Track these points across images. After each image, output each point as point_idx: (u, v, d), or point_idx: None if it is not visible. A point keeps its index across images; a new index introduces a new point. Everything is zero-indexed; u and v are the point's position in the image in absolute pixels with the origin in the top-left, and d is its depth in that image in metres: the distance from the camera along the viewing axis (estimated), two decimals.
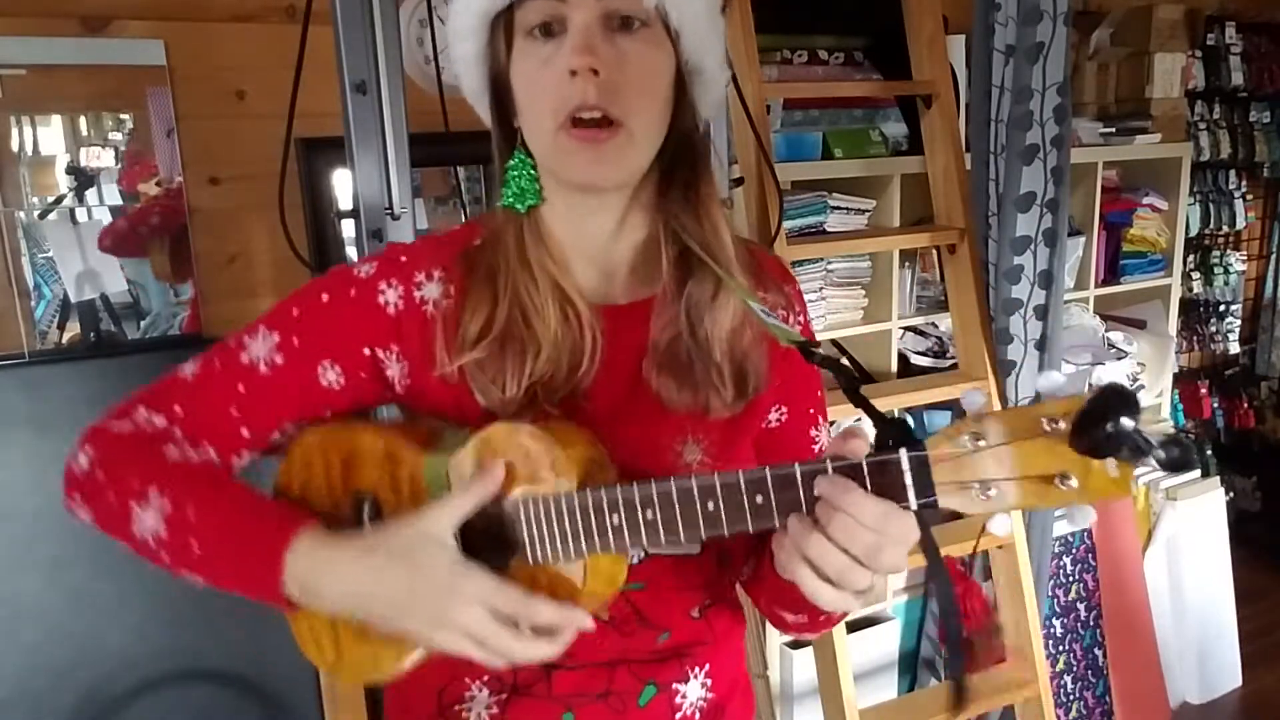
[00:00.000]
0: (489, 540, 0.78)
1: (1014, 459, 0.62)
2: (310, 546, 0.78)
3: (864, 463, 0.67)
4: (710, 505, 0.72)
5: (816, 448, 0.99)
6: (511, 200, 0.87)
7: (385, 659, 0.85)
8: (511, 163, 0.87)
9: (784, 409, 0.96)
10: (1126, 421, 0.57)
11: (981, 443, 0.63)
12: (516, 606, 0.75)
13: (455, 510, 0.76)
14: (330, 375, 0.87)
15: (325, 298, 0.88)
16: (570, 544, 0.76)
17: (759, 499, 0.71)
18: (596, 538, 0.75)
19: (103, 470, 0.84)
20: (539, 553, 0.77)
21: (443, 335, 0.86)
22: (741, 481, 0.71)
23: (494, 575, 0.75)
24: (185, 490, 0.82)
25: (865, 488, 0.67)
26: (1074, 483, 0.61)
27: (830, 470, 0.69)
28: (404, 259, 0.89)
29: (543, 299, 0.85)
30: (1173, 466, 0.57)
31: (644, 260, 0.91)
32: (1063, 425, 0.60)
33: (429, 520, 0.76)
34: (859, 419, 2.14)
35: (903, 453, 0.66)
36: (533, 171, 0.87)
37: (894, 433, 0.67)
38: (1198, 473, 2.93)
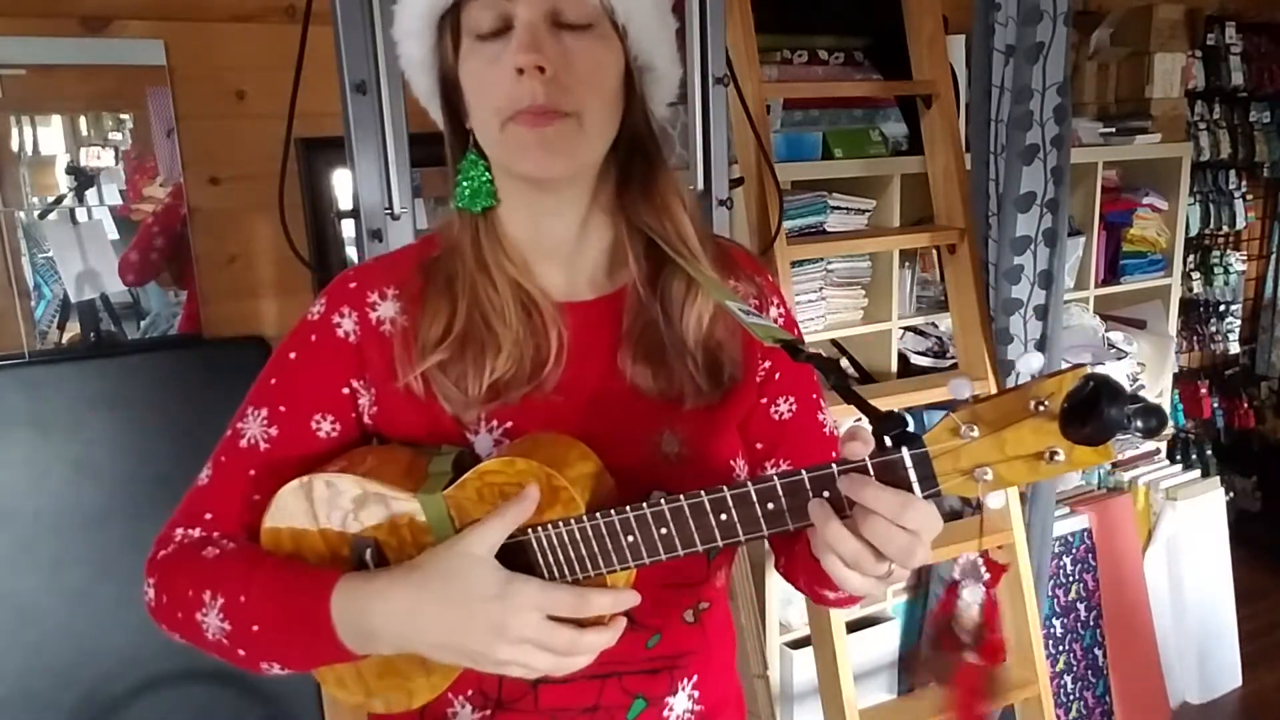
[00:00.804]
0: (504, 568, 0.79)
1: (1007, 442, 0.65)
2: (349, 594, 0.77)
3: (869, 463, 0.69)
4: (724, 516, 0.73)
5: (827, 431, 0.99)
6: (465, 202, 0.87)
7: (419, 690, 0.85)
8: (464, 164, 0.87)
9: (792, 399, 0.96)
10: (1115, 412, 0.60)
11: (975, 431, 0.66)
12: (573, 602, 0.75)
13: (494, 532, 0.75)
14: (325, 426, 0.88)
15: (293, 355, 0.89)
16: (589, 566, 0.77)
17: (770, 506, 0.72)
18: (614, 557, 0.76)
19: (166, 595, 0.85)
20: (559, 578, 0.78)
21: (401, 348, 0.86)
22: (752, 491, 0.72)
23: (541, 580, 0.75)
24: (229, 580, 0.82)
25: None
26: (1061, 457, 0.64)
27: (836, 472, 0.70)
28: (353, 284, 0.89)
29: (502, 299, 0.85)
30: (1152, 434, 0.61)
31: (612, 260, 0.91)
32: (1048, 405, 0.63)
33: (468, 543, 0.75)
34: (859, 419, 2.14)
35: (905, 451, 0.68)
36: (486, 173, 0.87)
37: (894, 430, 0.69)
38: (1198, 473, 2.93)
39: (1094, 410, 0.60)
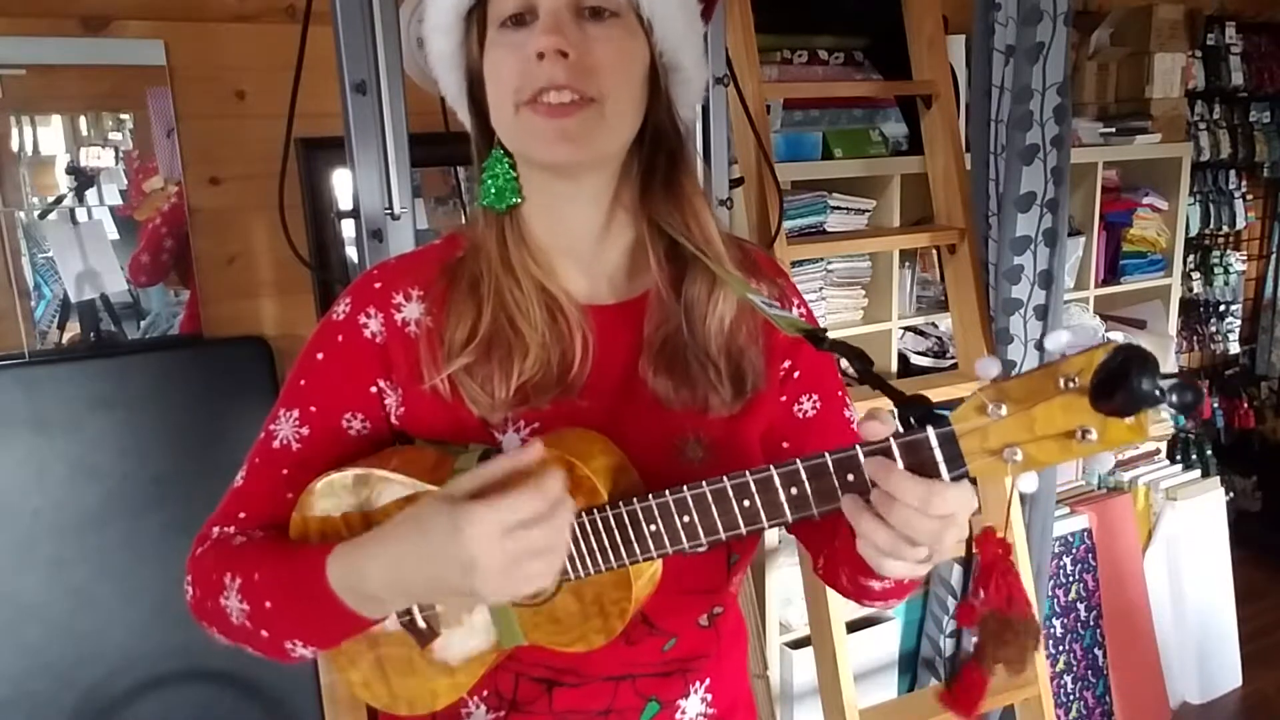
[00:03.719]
0: None
1: (1036, 421, 0.63)
2: (343, 558, 0.77)
3: (894, 444, 0.67)
4: (746, 502, 0.72)
5: (854, 426, 0.98)
6: (490, 200, 0.87)
7: (443, 691, 0.85)
8: (489, 161, 0.87)
9: (815, 396, 0.96)
10: (1146, 383, 0.57)
11: (1003, 410, 0.64)
12: (533, 502, 0.70)
13: (474, 478, 0.72)
14: (355, 424, 0.88)
15: (320, 356, 0.89)
16: (611, 557, 0.76)
17: (794, 490, 0.71)
18: (637, 547, 0.75)
19: (200, 587, 0.86)
20: (582, 569, 0.77)
21: (427, 350, 0.85)
22: (775, 476, 0.71)
23: (489, 499, 0.70)
24: (246, 562, 0.83)
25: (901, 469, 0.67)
26: (1094, 435, 0.62)
27: (860, 454, 0.69)
28: (378, 284, 0.89)
29: (527, 301, 0.85)
30: (1187, 410, 0.59)
31: (633, 262, 0.90)
32: (1079, 381, 0.61)
33: (442, 487, 0.74)
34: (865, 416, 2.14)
35: (930, 430, 0.66)
36: (511, 169, 0.86)
37: (918, 411, 0.67)
38: (1198, 473, 2.93)
39: (1125, 380, 0.58)
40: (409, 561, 0.73)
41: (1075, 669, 2.54)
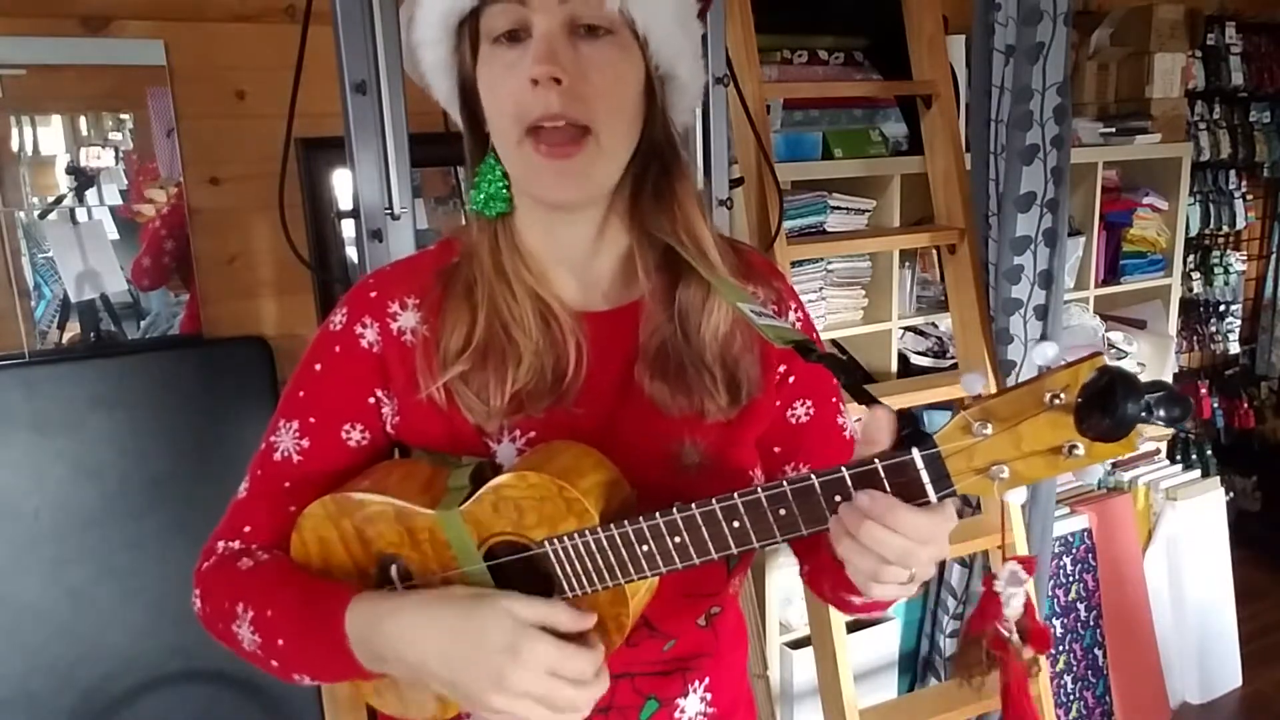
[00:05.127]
0: (524, 580, 0.79)
1: (1023, 438, 0.63)
2: (363, 611, 0.78)
3: (879, 466, 0.67)
4: (736, 523, 0.73)
5: (847, 434, 0.98)
6: (480, 206, 0.87)
7: (453, 702, 0.85)
8: (482, 168, 0.87)
9: (809, 403, 0.95)
10: (1131, 408, 0.57)
11: (989, 428, 0.63)
12: (587, 663, 0.75)
13: (539, 609, 0.75)
14: (355, 435, 0.88)
15: (318, 367, 0.89)
16: (606, 576, 0.77)
17: (782, 512, 0.71)
18: (630, 567, 0.76)
19: (209, 606, 0.87)
20: (577, 589, 0.78)
21: (423, 359, 0.86)
22: (763, 498, 0.71)
23: (554, 640, 0.74)
24: (259, 594, 0.84)
25: (885, 489, 0.68)
26: (1081, 450, 0.62)
27: (847, 476, 0.69)
28: (373, 294, 0.89)
29: (521, 309, 0.85)
30: (1175, 423, 0.59)
31: (627, 269, 0.90)
32: (1064, 398, 0.61)
33: (506, 597, 0.76)
34: (857, 419, 2.14)
35: (915, 452, 0.66)
36: (503, 179, 0.86)
37: (905, 430, 0.67)
38: (1198, 473, 2.93)
39: (1110, 406, 0.58)
40: (436, 640, 0.75)
41: (1075, 669, 2.54)
